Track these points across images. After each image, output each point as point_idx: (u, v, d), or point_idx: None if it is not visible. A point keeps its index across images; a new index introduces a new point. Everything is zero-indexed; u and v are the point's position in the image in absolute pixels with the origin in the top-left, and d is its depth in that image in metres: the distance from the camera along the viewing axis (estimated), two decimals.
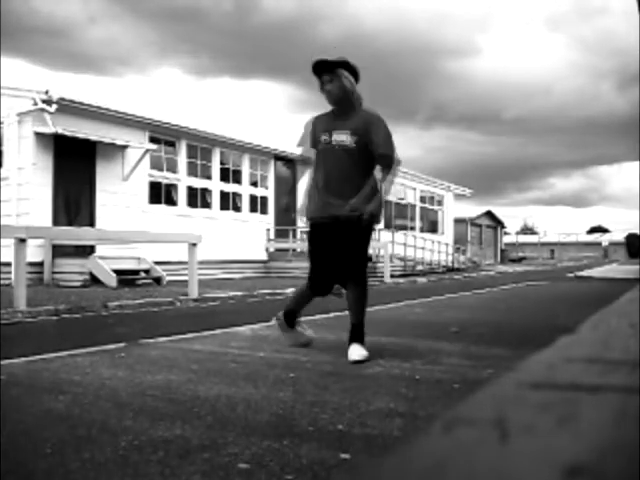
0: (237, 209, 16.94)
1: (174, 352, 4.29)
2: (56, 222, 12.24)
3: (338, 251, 4.08)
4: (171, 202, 15.22)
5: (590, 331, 1.14)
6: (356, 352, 3.97)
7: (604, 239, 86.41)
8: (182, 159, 15.39)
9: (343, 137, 4.02)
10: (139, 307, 8.32)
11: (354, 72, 4.09)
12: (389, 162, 4.08)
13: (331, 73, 4.02)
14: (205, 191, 16.17)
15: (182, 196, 15.38)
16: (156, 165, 14.75)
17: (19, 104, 12.19)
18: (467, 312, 7.48)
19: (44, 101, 11.88)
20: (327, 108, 4.26)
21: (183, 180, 15.40)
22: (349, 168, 4.03)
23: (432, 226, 27.24)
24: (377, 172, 4.10)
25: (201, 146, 15.87)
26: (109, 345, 4.64)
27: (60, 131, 11.90)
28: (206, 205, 16.10)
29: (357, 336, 4.09)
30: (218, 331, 5.55)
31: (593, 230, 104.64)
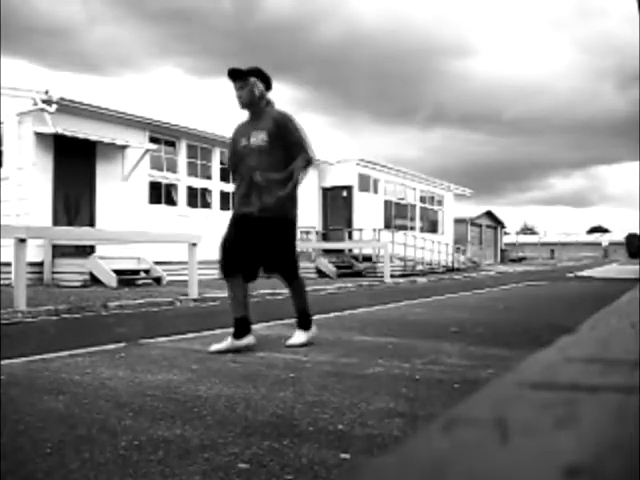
0: None
1: (174, 352, 4.30)
2: (56, 222, 12.25)
3: (255, 245, 4.41)
4: (171, 202, 15.23)
5: (590, 331, 1.14)
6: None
7: (604, 239, 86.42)
8: (182, 159, 15.40)
9: (260, 137, 4.38)
10: (139, 307, 8.32)
11: (266, 79, 4.49)
12: (301, 162, 4.43)
13: (242, 80, 4.42)
14: (205, 191, 16.17)
15: (182, 196, 15.38)
16: (156, 165, 14.76)
17: (19, 104, 12.19)
18: (467, 312, 7.48)
19: (44, 101, 11.89)
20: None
21: (183, 180, 15.40)
22: (264, 165, 4.36)
23: (432, 226, 27.22)
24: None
25: (201, 146, 15.88)
26: (109, 345, 4.64)
27: (60, 131, 11.90)
28: (206, 205, 16.10)
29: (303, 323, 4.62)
30: (218, 331, 5.55)
31: (593, 230, 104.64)
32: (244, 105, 4.48)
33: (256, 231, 4.35)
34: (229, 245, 4.44)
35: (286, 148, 4.39)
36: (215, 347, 4.33)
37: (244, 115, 4.67)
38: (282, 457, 2.09)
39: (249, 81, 4.40)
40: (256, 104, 4.45)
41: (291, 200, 4.44)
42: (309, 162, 4.46)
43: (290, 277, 4.56)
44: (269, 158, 4.36)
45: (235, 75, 4.43)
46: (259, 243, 4.39)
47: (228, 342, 4.35)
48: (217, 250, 4.58)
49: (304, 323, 4.61)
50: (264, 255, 4.46)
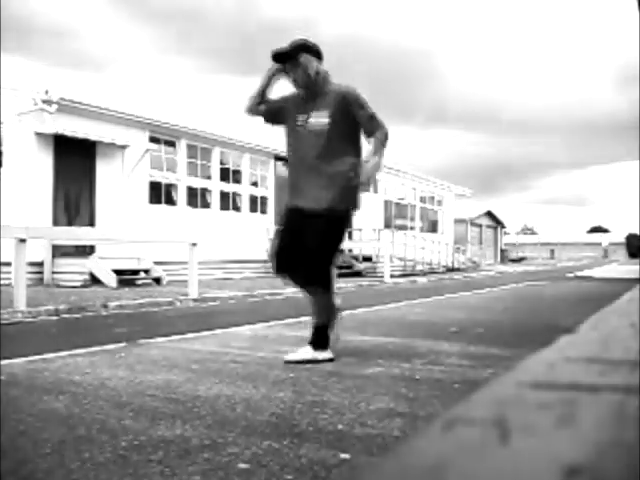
0: (237, 209, 16.95)
1: (174, 352, 4.29)
2: (56, 222, 12.25)
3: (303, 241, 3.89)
4: (171, 202, 15.23)
5: (590, 331, 1.14)
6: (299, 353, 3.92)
7: (604, 239, 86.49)
8: (182, 159, 15.40)
9: (320, 119, 3.88)
10: (139, 307, 8.32)
11: (316, 51, 3.96)
12: (380, 136, 3.92)
13: (291, 62, 3.90)
14: (205, 191, 16.18)
15: (182, 196, 15.39)
16: (156, 165, 14.76)
17: (19, 104, 12.19)
18: (467, 312, 7.48)
19: (44, 101, 11.89)
20: None
21: (183, 180, 15.40)
22: (324, 152, 3.88)
23: (432, 226, 27.24)
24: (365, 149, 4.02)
25: (201, 146, 15.88)
26: (109, 345, 4.64)
27: (60, 131, 11.90)
28: (206, 205, 16.11)
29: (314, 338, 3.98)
30: (218, 331, 5.55)
31: (593, 230, 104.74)
32: (303, 86, 3.96)
33: (308, 227, 3.87)
34: (280, 241, 3.98)
35: (354, 125, 3.90)
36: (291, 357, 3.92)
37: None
38: (282, 457, 2.09)
39: (300, 61, 3.88)
40: (314, 84, 3.92)
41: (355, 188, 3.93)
42: (387, 136, 3.93)
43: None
44: (331, 143, 3.88)
45: (282, 58, 3.92)
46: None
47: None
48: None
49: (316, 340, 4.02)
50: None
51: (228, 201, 16.70)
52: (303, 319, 6.30)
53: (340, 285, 14.55)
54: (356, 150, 3.99)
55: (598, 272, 24.05)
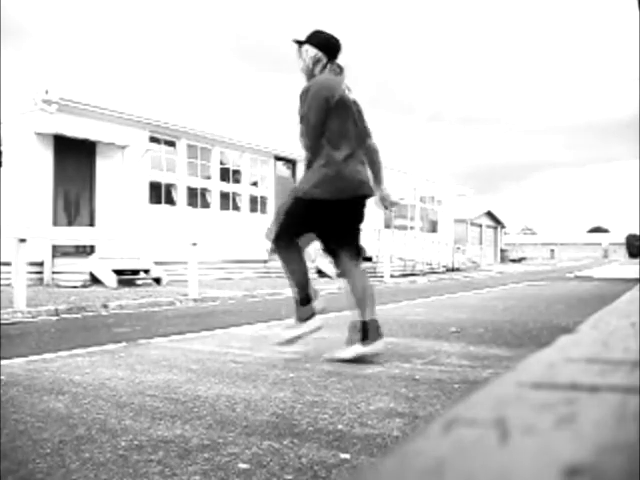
0: (237, 209, 16.96)
1: (174, 352, 4.29)
2: (56, 222, 12.25)
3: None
4: (171, 202, 15.23)
5: (590, 331, 1.14)
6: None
7: (604, 239, 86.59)
8: (182, 159, 15.41)
9: None
10: (139, 307, 8.32)
11: (322, 45, 4.00)
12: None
13: (299, 50, 4.07)
14: (205, 191, 16.18)
15: (182, 196, 15.39)
16: (156, 165, 14.76)
17: (19, 104, 12.20)
18: (467, 312, 7.47)
19: (44, 101, 11.89)
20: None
21: (183, 180, 15.40)
22: None
23: (432, 226, 27.24)
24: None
25: (201, 146, 15.88)
26: (109, 345, 4.64)
27: (60, 131, 11.90)
28: (206, 205, 16.11)
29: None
30: (218, 331, 5.55)
31: (593, 230, 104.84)
32: (305, 76, 4.06)
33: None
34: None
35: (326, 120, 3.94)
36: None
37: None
38: (282, 457, 2.09)
39: (301, 50, 4.05)
40: (310, 73, 4.02)
41: None
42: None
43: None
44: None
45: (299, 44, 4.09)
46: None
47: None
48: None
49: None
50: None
51: (228, 201, 16.70)
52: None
53: (340, 285, 14.50)
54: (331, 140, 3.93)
55: (598, 272, 24.05)
